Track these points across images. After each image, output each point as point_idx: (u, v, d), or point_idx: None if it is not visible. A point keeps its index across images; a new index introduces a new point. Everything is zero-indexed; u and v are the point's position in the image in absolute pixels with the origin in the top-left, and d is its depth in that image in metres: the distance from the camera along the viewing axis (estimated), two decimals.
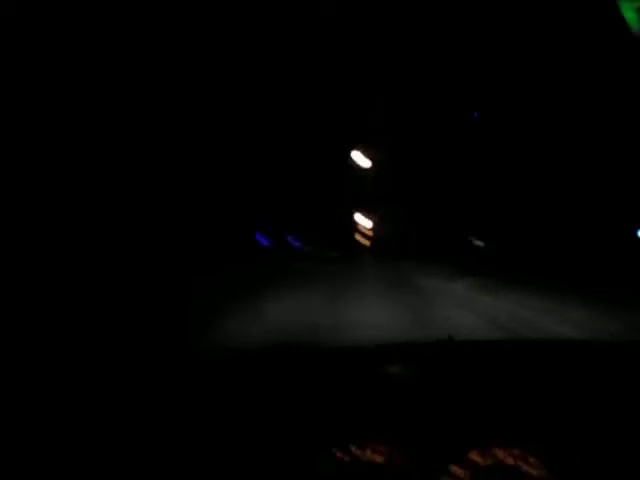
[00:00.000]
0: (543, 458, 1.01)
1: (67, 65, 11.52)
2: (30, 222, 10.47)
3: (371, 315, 8.06)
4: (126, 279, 10.19)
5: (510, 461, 1.02)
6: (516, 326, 7.23)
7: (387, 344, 2.08)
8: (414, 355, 1.79)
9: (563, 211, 17.03)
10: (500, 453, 1.03)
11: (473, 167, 20.40)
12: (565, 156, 16.30)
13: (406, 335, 6.23)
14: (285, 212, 26.98)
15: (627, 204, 15.41)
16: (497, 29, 15.02)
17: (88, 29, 11.53)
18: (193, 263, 14.87)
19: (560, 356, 1.68)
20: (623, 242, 15.19)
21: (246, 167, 20.69)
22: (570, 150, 16.04)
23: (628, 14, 10.08)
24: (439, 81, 18.87)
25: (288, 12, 14.60)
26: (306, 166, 24.24)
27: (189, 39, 14.28)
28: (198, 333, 6.17)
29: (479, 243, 23.21)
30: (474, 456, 1.02)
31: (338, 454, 1.04)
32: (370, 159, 20.59)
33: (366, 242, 42.88)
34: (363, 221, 36.72)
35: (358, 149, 20.62)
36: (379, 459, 1.04)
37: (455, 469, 1.00)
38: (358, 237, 41.54)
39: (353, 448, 1.05)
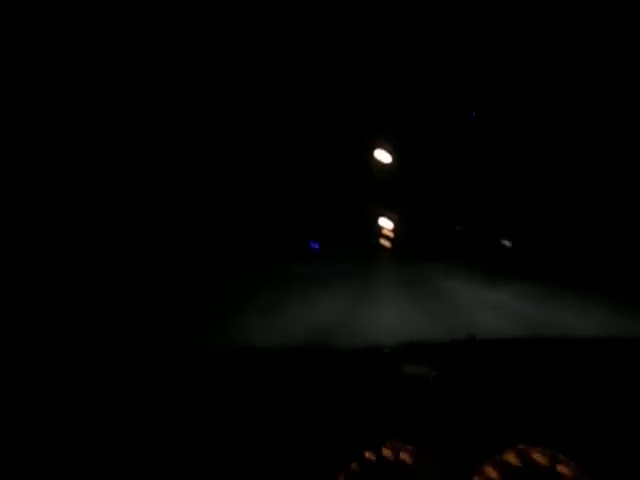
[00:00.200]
0: (575, 457, 1.00)
1: (67, 65, 11.62)
2: (29, 223, 10.57)
3: (391, 316, 8.03)
4: (137, 277, 10.26)
5: (542, 461, 1.01)
6: (538, 325, 7.14)
7: (408, 343, 2.07)
8: (437, 355, 1.79)
9: (588, 212, 16.79)
10: (533, 453, 1.02)
11: (499, 166, 20.21)
12: (588, 157, 16.09)
13: (427, 336, 6.19)
14: (303, 212, 26.98)
15: None
16: (499, 28, 14.92)
17: (88, 29, 11.63)
18: (208, 262, 14.94)
19: (583, 356, 1.66)
20: None
21: (264, 166, 20.72)
22: (593, 151, 15.83)
23: None
24: (446, 79, 18.78)
25: (288, 12, 14.62)
26: (323, 166, 24.19)
27: (191, 40, 14.34)
28: (214, 332, 6.18)
29: (507, 243, 22.96)
30: (506, 456, 1.02)
31: (367, 454, 1.04)
32: (390, 154, 20.34)
33: (387, 243, 42.74)
34: (384, 222, 36.58)
35: (378, 145, 20.43)
36: (407, 459, 1.04)
37: (487, 469, 1.00)
38: (381, 239, 41.41)
39: (381, 448, 1.05)
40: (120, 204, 13.65)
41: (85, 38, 11.65)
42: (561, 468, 0.99)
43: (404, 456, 1.04)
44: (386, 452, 1.05)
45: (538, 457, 1.01)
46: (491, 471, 1.00)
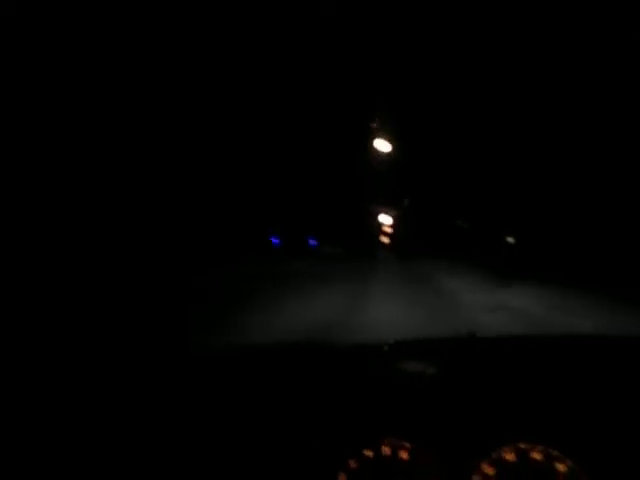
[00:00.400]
0: (571, 454, 1.00)
1: (67, 65, 11.60)
2: (31, 224, 10.57)
3: (390, 313, 8.05)
4: (139, 277, 10.27)
5: (538, 457, 1.01)
6: (538, 324, 7.16)
7: (408, 340, 2.07)
8: (436, 352, 1.79)
9: (592, 212, 16.75)
10: (530, 451, 1.02)
11: (504, 162, 20.14)
12: (593, 158, 16.03)
13: (426, 333, 6.20)
14: (301, 210, 26.97)
15: None
16: (501, 28, 14.88)
17: (88, 29, 11.60)
18: (208, 260, 14.95)
19: (582, 354, 1.67)
20: None
21: (261, 166, 20.71)
22: (597, 153, 15.78)
23: None
24: (445, 78, 18.73)
25: (288, 12, 14.58)
26: (321, 162, 24.15)
27: (193, 40, 14.32)
28: (213, 331, 6.19)
29: (511, 240, 22.95)
30: (502, 453, 1.02)
31: (365, 452, 1.04)
32: (390, 142, 20.09)
33: (386, 239, 42.72)
34: (384, 218, 36.52)
35: (377, 135, 20.20)
36: (406, 457, 1.04)
37: (485, 467, 1.00)
38: (380, 236, 41.43)
39: (380, 446, 1.05)
40: (121, 205, 13.67)
41: (85, 38, 11.63)
42: (558, 466, 1.00)
43: (402, 454, 1.04)
44: (385, 450, 1.05)
45: (535, 455, 1.02)
46: (488, 469, 1.01)
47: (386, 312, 8.15)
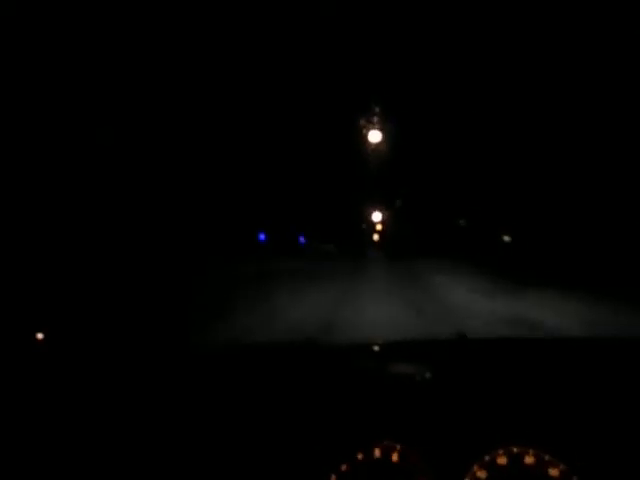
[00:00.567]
0: (563, 458, 1.00)
1: (67, 65, 11.55)
2: (32, 222, 10.53)
3: (380, 314, 8.05)
4: (133, 276, 10.24)
5: (531, 461, 1.01)
6: (528, 325, 7.19)
7: (398, 341, 2.07)
8: (427, 353, 1.78)
9: (584, 213, 16.83)
10: (522, 454, 1.02)
11: (500, 159, 20.13)
12: (589, 159, 16.09)
13: (416, 333, 6.21)
14: (291, 209, 26.95)
15: None
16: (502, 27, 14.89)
17: (88, 29, 11.55)
18: (200, 259, 14.92)
19: (573, 356, 1.67)
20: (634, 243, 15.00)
21: (251, 165, 20.68)
22: (593, 154, 15.84)
23: None
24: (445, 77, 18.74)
25: (288, 12, 14.56)
26: (313, 161, 24.10)
27: (194, 40, 14.28)
28: (208, 330, 6.19)
29: (507, 239, 23.03)
30: (494, 456, 1.02)
31: (357, 455, 1.03)
32: (380, 131, 19.82)
33: (376, 237, 42.76)
34: (375, 217, 36.54)
35: (370, 128, 19.95)
36: (398, 460, 1.03)
37: (477, 469, 1.00)
38: (373, 234, 41.48)
39: (371, 449, 1.04)
40: (120, 204, 13.64)
41: (85, 38, 11.57)
42: (551, 470, 0.99)
43: (394, 456, 1.04)
44: (376, 452, 1.04)
45: (528, 459, 1.01)
46: (481, 472, 1.00)
47: (376, 312, 8.16)
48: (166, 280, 10.87)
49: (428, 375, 1.52)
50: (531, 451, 1.02)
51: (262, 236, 26.59)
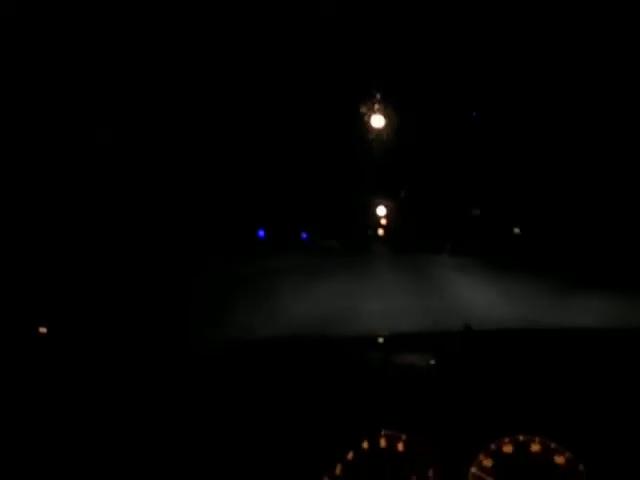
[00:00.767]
0: (569, 446, 1.00)
1: (67, 65, 11.56)
2: (32, 219, 10.56)
3: (385, 306, 8.05)
4: (132, 273, 10.27)
5: (536, 449, 1.01)
6: (534, 316, 7.18)
7: (404, 333, 2.07)
8: (432, 344, 1.79)
9: (592, 204, 16.70)
10: (527, 442, 1.02)
11: (503, 151, 19.94)
12: (595, 151, 15.95)
13: (422, 325, 6.22)
14: (293, 203, 26.87)
15: None
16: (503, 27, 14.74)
17: (88, 29, 11.55)
18: (202, 256, 14.95)
19: (580, 345, 1.67)
20: None
21: (251, 157, 20.60)
22: (599, 146, 15.69)
23: None
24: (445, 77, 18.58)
25: (288, 11, 14.49)
26: (314, 154, 23.99)
27: (193, 40, 14.25)
28: (209, 326, 6.19)
29: (516, 230, 22.92)
30: (500, 445, 1.02)
31: (362, 445, 1.04)
32: (384, 117, 19.32)
33: (380, 231, 42.70)
34: (379, 210, 36.37)
35: (368, 112, 19.48)
36: (403, 449, 1.04)
37: (483, 458, 1.00)
38: (377, 228, 41.37)
39: (377, 438, 1.05)
40: (117, 203, 13.67)
41: (85, 38, 11.57)
42: (556, 458, 1.00)
43: (400, 446, 1.04)
44: (382, 442, 1.05)
45: (534, 447, 1.02)
46: (486, 460, 1.01)
47: (381, 305, 8.16)
48: (164, 277, 10.88)
49: (433, 365, 1.52)
50: (537, 439, 1.02)
51: (261, 232, 26.43)
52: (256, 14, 14.43)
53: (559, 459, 1.00)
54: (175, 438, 1.09)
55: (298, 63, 17.77)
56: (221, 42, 15.20)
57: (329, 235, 30.59)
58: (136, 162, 14.53)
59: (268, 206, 24.51)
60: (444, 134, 22.34)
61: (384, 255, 25.99)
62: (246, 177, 21.19)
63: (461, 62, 17.57)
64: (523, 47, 15.41)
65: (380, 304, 8.24)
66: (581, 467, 0.98)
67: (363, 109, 18.22)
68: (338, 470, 1.01)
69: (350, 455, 1.03)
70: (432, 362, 1.57)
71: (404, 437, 1.05)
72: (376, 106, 17.87)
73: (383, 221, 40.19)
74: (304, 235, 31.49)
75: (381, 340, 1.93)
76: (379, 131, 19.27)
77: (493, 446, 1.02)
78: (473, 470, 1.00)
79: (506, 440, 1.03)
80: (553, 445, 1.01)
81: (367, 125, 18.80)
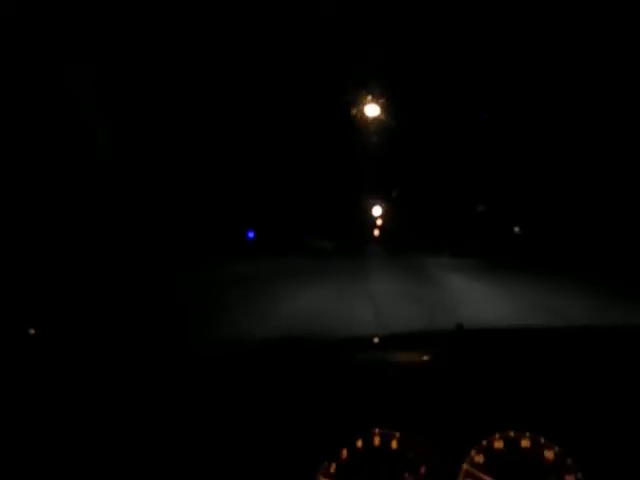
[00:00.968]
0: (558, 441, 1.02)
1: (67, 65, 11.50)
2: (28, 219, 10.49)
3: (379, 305, 8.08)
4: (127, 274, 10.22)
5: (526, 445, 1.03)
6: (525, 314, 7.22)
7: (398, 332, 2.09)
8: (425, 343, 1.81)
9: (589, 203, 16.75)
10: (517, 438, 1.04)
11: (499, 150, 19.91)
12: (592, 156, 15.96)
13: (415, 325, 6.24)
14: (288, 205, 26.76)
15: None
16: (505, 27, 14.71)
17: (88, 30, 11.51)
18: (197, 257, 14.91)
19: (569, 343, 1.69)
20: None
21: (245, 157, 20.51)
22: (596, 150, 15.70)
23: None
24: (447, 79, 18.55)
25: (288, 11, 14.46)
26: (308, 154, 23.88)
27: (193, 40, 14.21)
28: (205, 327, 6.18)
29: (517, 230, 23.00)
30: (491, 441, 1.04)
31: (356, 443, 1.05)
32: (378, 105, 19.07)
33: (376, 232, 42.70)
34: (373, 209, 36.27)
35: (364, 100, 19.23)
36: (396, 447, 1.05)
37: (474, 454, 1.02)
38: (371, 228, 41.33)
39: (369, 436, 1.06)
40: (114, 203, 13.60)
41: (85, 38, 11.52)
42: (546, 452, 1.02)
43: (393, 444, 1.06)
44: (376, 440, 1.06)
45: (523, 442, 1.03)
46: (478, 457, 1.02)
47: (375, 304, 8.18)
48: (160, 278, 10.84)
49: (426, 364, 1.54)
50: (527, 435, 1.04)
51: (251, 234, 26.22)
52: (253, 14, 14.40)
53: (548, 454, 1.02)
54: (170, 437, 1.10)
55: (295, 65, 17.72)
56: (220, 42, 15.16)
57: (322, 235, 30.54)
58: (136, 162, 14.47)
59: (260, 207, 24.41)
60: (443, 134, 22.33)
61: (378, 254, 26.03)
62: (240, 178, 21.11)
63: (461, 62, 17.55)
64: (526, 44, 15.33)
65: (374, 304, 8.26)
66: (570, 461, 1.00)
67: (358, 106, 18.09)
68: (332, 469, 1.03)
69: (344, 454, 1.04)
70: (424, 361, 1.59)
71: (397, 435, 1.06)
72: (372, 104, 17.76)
73: (378, 221, 40.10)
74: (295, 235, 31.40)
75: (375, 340, 1.94)
76: (374, 130, 19.23)
77: (484, 442, 1.04)
78: (465, 466, 1.02)
79: (497, 436, 1.04)
80: (542, 440, 1.03)
81: (362, 123, 18.73)
